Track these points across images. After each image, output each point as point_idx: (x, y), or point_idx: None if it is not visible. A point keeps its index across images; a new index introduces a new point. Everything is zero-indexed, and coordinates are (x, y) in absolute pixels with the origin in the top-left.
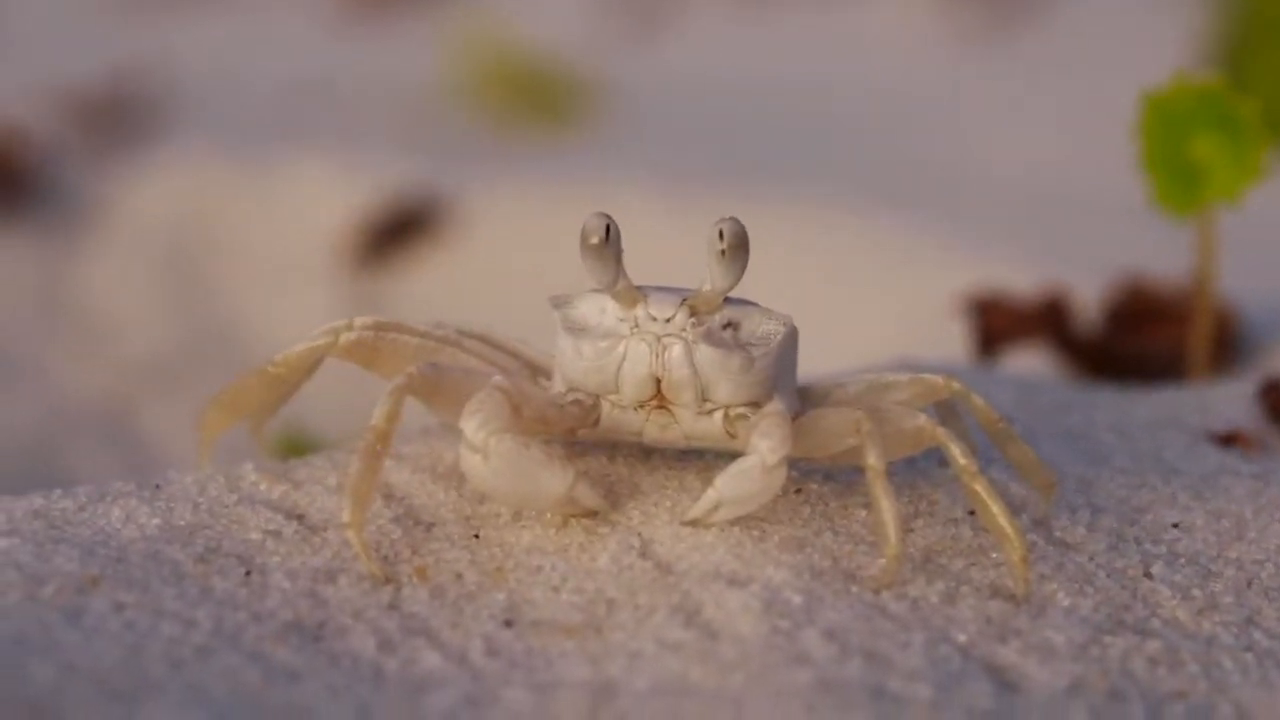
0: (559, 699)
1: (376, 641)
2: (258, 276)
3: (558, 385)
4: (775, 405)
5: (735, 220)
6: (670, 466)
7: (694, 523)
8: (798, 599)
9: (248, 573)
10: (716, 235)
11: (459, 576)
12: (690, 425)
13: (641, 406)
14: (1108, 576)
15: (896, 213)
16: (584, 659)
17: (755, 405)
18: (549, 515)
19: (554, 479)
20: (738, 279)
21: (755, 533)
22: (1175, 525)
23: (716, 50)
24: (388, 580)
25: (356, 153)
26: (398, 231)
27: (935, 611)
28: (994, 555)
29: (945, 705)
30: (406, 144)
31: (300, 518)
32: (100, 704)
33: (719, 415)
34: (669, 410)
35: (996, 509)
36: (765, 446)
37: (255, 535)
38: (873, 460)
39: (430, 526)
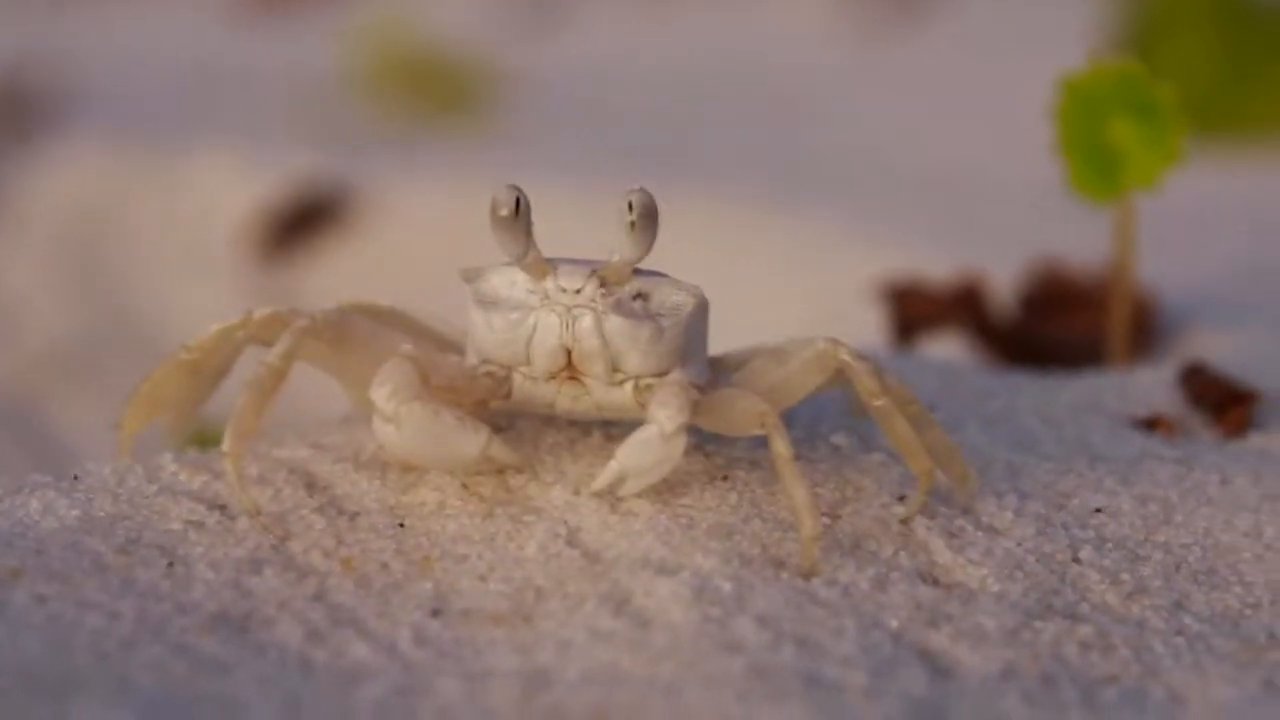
0: (490, 688)
1: (304, 632)
2: (161, 267)
3: (470, 359)
4: (675, 375)
5: (644, 191)
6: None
7: (600, 494)
8: (728, 586)
9: (170, 564)
10: (626, 206)
11: (385, 566)
12: (602, 396)
13: (553, 378)
14: (1036, 561)
15: (803, 201)
16: (513, 648)
17: (665, 375)
18: (474, 503)
19: (468, 441)
20: (647, 250)
21: (683, 520)
22: (1101, 510)
23: (617, 41)
24: (258, 513)
25: (259, 143)
26: (301, 222)
27: (866, 598)
28: (922, 537)
29: (880, 692)
30: (310, 135)
31: (221, 508)
32: (27, 700)
33: (629, 386)
34: (580, 381)
35: (901, 428)
36: (663, 415)
37: (177, 526)
38: (780, 448)
39: (354, 516)
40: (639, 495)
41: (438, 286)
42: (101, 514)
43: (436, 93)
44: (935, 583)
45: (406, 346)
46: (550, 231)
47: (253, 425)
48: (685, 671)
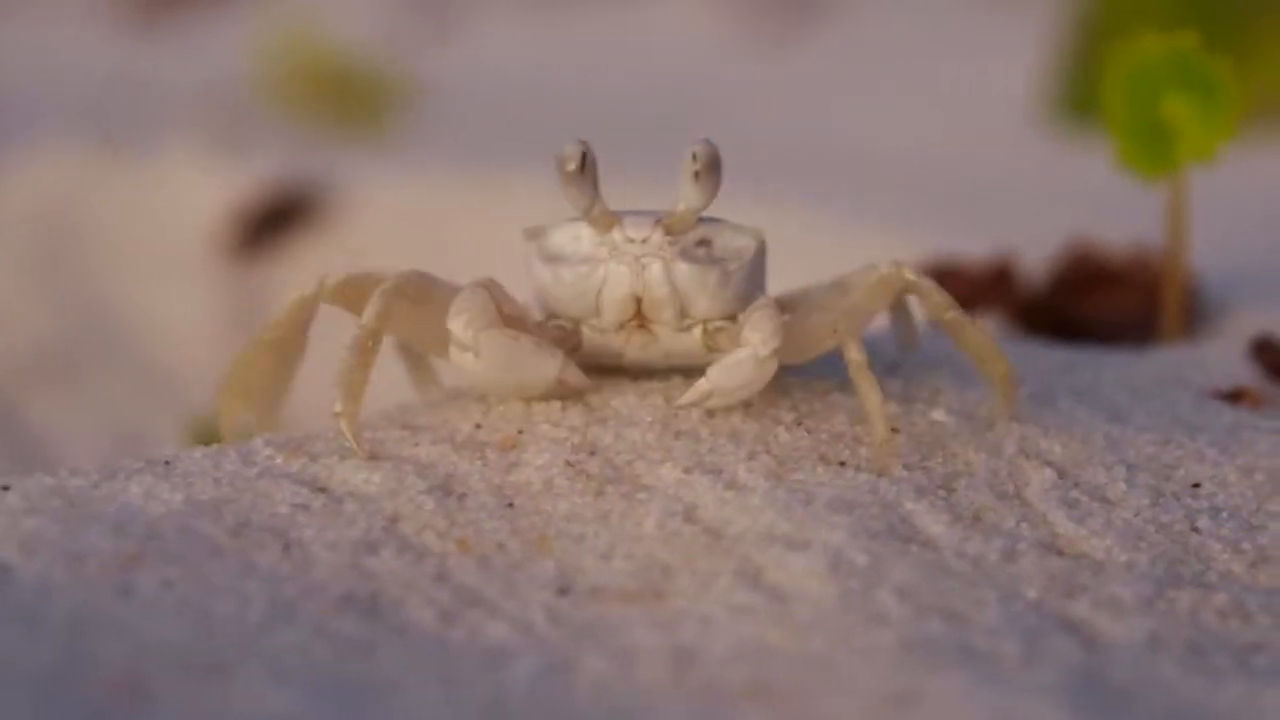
0: (639, 665)
1: (435, 613)
2: (133, 268)
3: (536, 318)
4: (764, 300)
5: (708, 142)
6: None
7: (686, 407)
8: (862, 559)
9: (285, 546)
10: (690, 157)
11: (501, 546)
12: (670, 343)
13: (621, 328)
14: (1156, 531)
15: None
16: (652, 625)
17: (731, 319)
18: (582, 482)
19: (544, 364)
20: (710, 199)
21: (800, 495)
22: (1208, 481)
23: (514, 49)
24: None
25: (227, 144)
26: (272, 221)
27: (997, 569)
28: (1040, 509)
29: (1035, 661)
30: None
31: (324, 490)
32: (183, 682)
33: (697, 331)
34: (648, 329)
35: (974, 335)
36: (757, 339)
37: (284, 509)
38: (854, 354)
39: (462, 497)
40: (750, 470)
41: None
42: (205, 498)
43: (346, 101)
44: (1060, 553)
45: (480, 278)
46: (451, 241)
47: (360, 385)
48: (837, 645)
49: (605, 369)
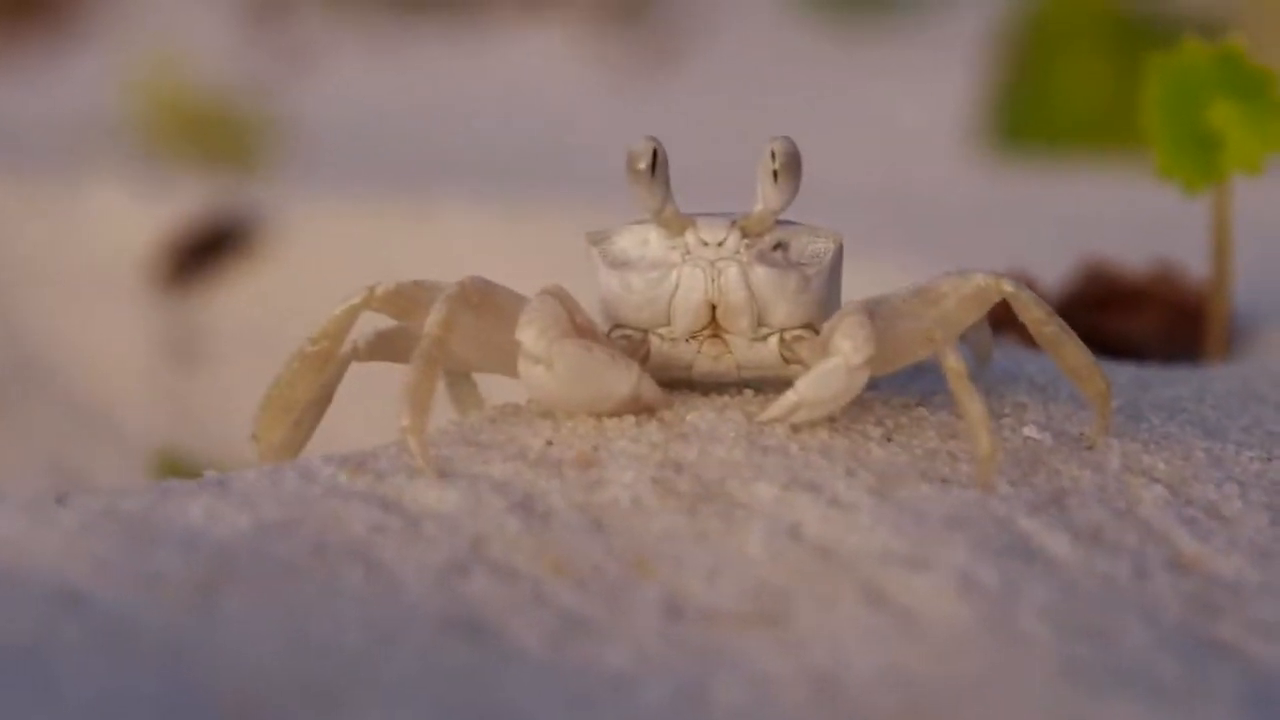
0: (777, 692)
1: (542, 637)
2: (60, 301)
3: (601, 328)
4: (853, 305)
5: (788, 139)
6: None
7: (771, 422)
8: (992, 579)
9: (368, 569)
10: (769, 155)
11: (598, 568)
12: (744, 353)
13: (693, 338)
14: None
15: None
16: (779, 650)
17: (810, 327)
18: (673, 500)
19: (621, 377)
20: (790, 199)
21: (909, 512)
22: None
23: (370, 88)
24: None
25: (153, 172)
26: (203, 250)
27: (1131, 589)
28: (1159, 527)
29: (1199, 687)
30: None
31: (398, 509)
32: (301, 711)
33: (774, 340)
34: (721, 339)
35: (1073, 352)
36: (849, 346)
37: (359, 530)
38: (953, 363)
39: (546, 516)
40: (851, 487)
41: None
42: (273, 519)
43: (210, 139)
44: (1190, 573)
45: (549, 285)
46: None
47: (427, 398)
48: (985, 669)
49: (668, 382)
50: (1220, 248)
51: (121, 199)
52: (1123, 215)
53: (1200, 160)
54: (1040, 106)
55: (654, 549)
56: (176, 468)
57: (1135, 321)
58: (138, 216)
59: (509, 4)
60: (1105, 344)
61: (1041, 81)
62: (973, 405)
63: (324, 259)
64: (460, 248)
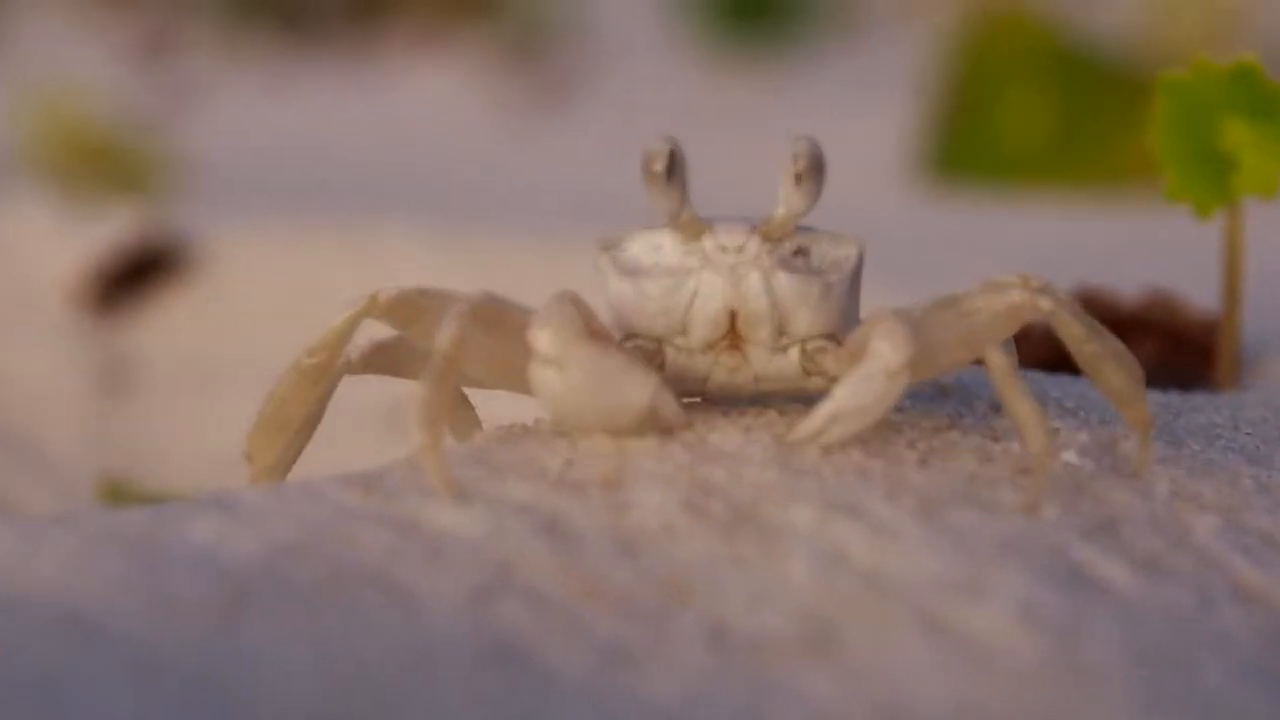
0: None
1: (582, 667)
2: None
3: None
4: (886, 308)
5: (811, 140)
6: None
7: (807, 439)
8: (1054, 609)
9: (390, 596)
10: (791, 158)
11: (633, 595)
12: (762, 365)
13: (709, 348)
14: None
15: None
16: (837, 682)
17: (831, 338)
18: (706, 523)
19: (638, 387)
20: (812, 204)
21: (958, 538)
22: None
23: (259, 122)
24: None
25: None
26: (131, 276)
27: (1198, 619)
28: (1217, 556)
29: None
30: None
31: (415, 533)
32: None
33: (794, 351)
34: (740, 350)
35: (1113, 376)
36: (887, 348)
37: (374, 554)
38: (999, 359)
39: (573, 540)
40: (894, 512)
41: (278, 334)
42: (285, 542)
43: (105, 170)
44: (1255, 603)
45: (564, 290)
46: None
47: (440, 414)
48: (1061, 704)
49: (680, 398)
50: (1231, 272)
51: (41, 227)
52: (1066, 246)
53: (1211, 182)
54: (977, 138)
55: (690, 575)
56: (121, 495)
57: (1133, 350)
58: (59, 244)
59: (403, 43)
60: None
61: (979, 113)
62: (1024, 404)
63: (251, 285)
64: (392, 271)
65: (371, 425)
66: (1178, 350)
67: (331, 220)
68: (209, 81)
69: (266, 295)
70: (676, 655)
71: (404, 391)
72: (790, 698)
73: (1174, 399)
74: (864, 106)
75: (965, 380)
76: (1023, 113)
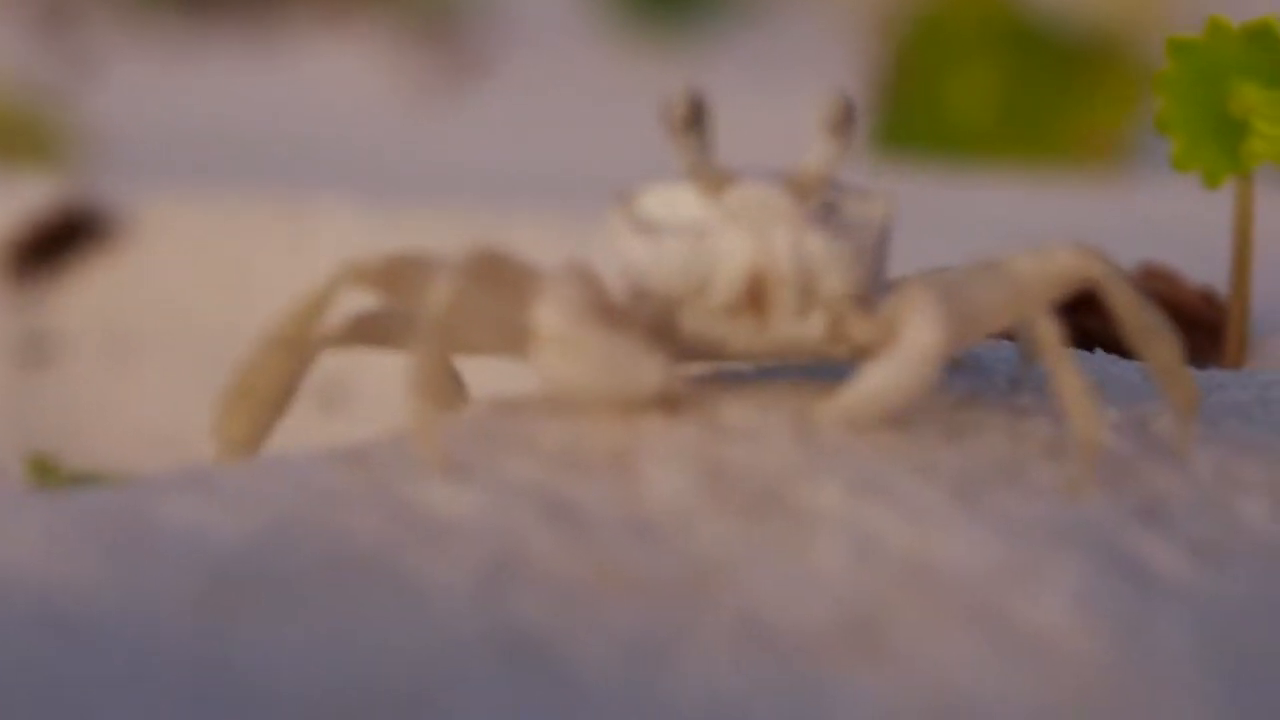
0: None
1: (605, 660)
2: None
3: (623, 300)
4: (916, 278)
5: (844, 92)
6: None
7: (832, 420)
8: (1114, 599)
9: (394, 583)
10: (825, 108)
11: (653, 584)
12: (784, 330)
13: (730, 311)
14: None
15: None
16: (886, 681)
17: (859, 299)
18: (729, 507)
19: (648, 366)
20: (844, 158)
21: (1005, 523)
22: None
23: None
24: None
25: None
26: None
27: (1266, 610)
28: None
29: None
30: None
31: (408, 514)
32: None
33: (818, 315)
34: (762, 313)
35: (1165, 354)
36: (924, 330)
37: (368, 538)
38: (1047, 331)
39: (583, 523)
40: (931, 495)
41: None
42: (270, 525)
43: (15, 143)
44: None
45: (570, 259)
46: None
47: (432, 382)
48: (1135, 705)
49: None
50: (1241, 245)
51: None
52: (1016, 222)
53: (1222, 150)
54: (924, 111)
55: (713, 562)
56: (49, 473)
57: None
58: None
59: (309, 16)
60: (1089, 345)
61: (927, 86)
62: (1072, 380)
63: (173, 257)
64: (324, 241)
65: (307, 404)
66: (1179, 326)
67: (256, 191)
68: (111, 55)
69: (189, 267)
70: (710, 651)
71: (337, 368)
72: (838, 697)
73: (1199, 376)
74: (780, 85)
75: (980, 354)
76: (971, 86)
